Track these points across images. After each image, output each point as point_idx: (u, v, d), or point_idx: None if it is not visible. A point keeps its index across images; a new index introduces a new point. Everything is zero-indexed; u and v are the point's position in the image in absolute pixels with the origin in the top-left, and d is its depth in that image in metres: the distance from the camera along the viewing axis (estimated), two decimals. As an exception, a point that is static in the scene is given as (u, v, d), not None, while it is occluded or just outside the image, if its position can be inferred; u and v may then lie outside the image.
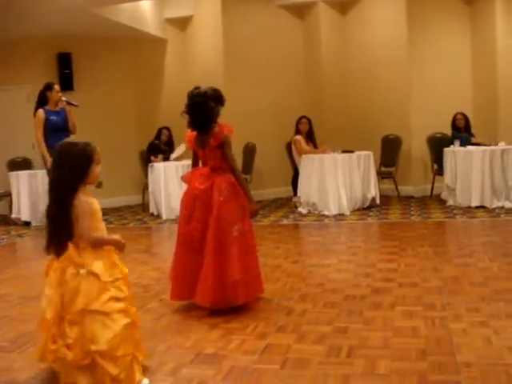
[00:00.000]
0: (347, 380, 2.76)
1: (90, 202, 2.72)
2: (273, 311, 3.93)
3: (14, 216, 8.89)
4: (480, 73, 9.90)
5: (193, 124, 4.08)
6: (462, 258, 5.18)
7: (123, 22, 9.33)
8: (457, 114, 8.97)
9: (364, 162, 8.54)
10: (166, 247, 6.81)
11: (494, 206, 7.88)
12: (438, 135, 9.37)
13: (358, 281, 4.61)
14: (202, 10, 10.39)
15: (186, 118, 4.11)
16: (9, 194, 9.11)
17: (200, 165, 4.23)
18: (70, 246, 2.66)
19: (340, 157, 8.35)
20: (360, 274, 4.81)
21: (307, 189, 8.47)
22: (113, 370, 2.61)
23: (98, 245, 2.72)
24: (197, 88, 4.07)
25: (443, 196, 8.70)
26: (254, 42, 10.14)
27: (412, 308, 3.80)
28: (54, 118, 7.53)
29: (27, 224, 8.75)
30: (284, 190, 10.10)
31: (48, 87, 7.59)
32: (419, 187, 9.68)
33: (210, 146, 4.01)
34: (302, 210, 8.49)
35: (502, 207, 7.83)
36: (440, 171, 8.93)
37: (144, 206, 9.67)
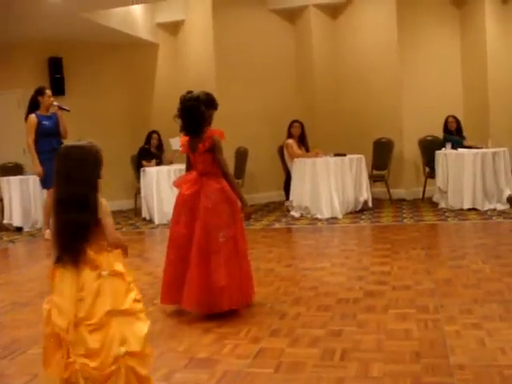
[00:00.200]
0: (341, 383, 2.75)
1: (106, 203, 2.64)
2: (266, 315, 3.93)
3: (5, 222, 8.84)
4: (470, 75, 9.95)
5: (185, 128, 4.08)
6: (454, 261, 5.19)
7: (114, 27, 9.31)
8: (448, 116, 9.00)
9: (356, 165, 8.55)
10: (159, 252, 6.78)
11: (486, 208, 7.91)
12: (430, 138, 9.40)
13: (351, 284, 4.61)
14: (194, 14, 10.39)
15: (178, 123, 4.11)
16: (0, 200, 9.07)
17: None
18: (88, 249, 2.60)
19: (332, 160, 8.36)
20: (353, 278, 4.81)
21: (299, 192, 8.48)
22: (142, 370, 2.52)
23: (118, 246, 2.67)
24: (189, 92, 4.08)
25: (435, 199, 8.72)
26: (246, 47, 10.15)
27: (405, 310, 3.80)
28: (45, 122, 7.53)
29: (19, 229, 8.71)
30: (276, 194, 10.11)
31: (40, 92, 7.58)
32: (411, 190, 9.70)
33: (199, 151, 4.01)
34: (295, 213, 8.49)
35: (494, 209, 7.85)
36: (432, 174, 8.96)
37: (136, 211, 9.65)
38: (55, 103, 7.64)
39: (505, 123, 9.71)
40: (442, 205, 8.40)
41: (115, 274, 2.56)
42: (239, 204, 4.09)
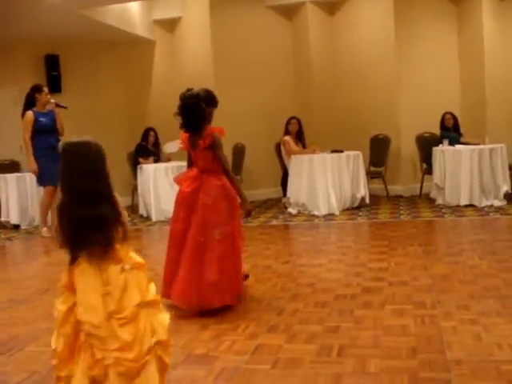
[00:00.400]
0: (338, 379, 2.76)
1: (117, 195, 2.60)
2: (264, 311, 3.93)
3: (2, 219, 8.83)
4: (467, 72, 9.95)
5: (185, 125, 4.10)
6: (451, 257, 5.20)
7: (111, 24, 9.29)
8: (445, 113, 9.00)
9: (353, 161, 8.55)
10: (157, 249, 6.79)
11: (483, 204, 7.92)
12: (427, 135, 9.41)
13: (349, 280, 4.61)
14: (191, 11, 10.37)
15: (178, 120, 4.12)
16: (-3, 198, 9.07)
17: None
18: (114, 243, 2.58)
19: (329, 157, 8.37)
20: (350, 274, 4.82)
21: (297, 189, 8.48)
22: (166, 358, 2.56)
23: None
24: (189, 90, 4.09)
25: (432, 195, 8.73)
26: (243, 43, 10.14)
27: (402, 306, 3.81)
28: (42, 119, 7.53)
29: (16, 227, 8.71)
30: (274, 191, 10.11)
31: (37, 89, 7.57)
32: (408, 186, 9.71)
33: (200, 148, 4.04)
34: (292, 210, 8.49)
35: (491, 206, 7.87)
36: (429, 170, 8.96)
37: (133, 208, 9.64)
38: (52, 100, 7.64)
39: (502, 120, 9.72)
40: (439, 201, 8.41)
41: (137, 267, 2.56)
42: (239, 201, 4.11)
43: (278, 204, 9.43)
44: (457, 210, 7.80)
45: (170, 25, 10.81)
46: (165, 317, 2.57)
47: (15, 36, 9.35)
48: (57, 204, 2.58)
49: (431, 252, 5.49)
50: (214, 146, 4.03)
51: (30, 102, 7.56)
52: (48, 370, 3.02)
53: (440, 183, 8.40)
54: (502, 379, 2.64)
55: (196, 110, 4.00)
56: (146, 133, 9.60)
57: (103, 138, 2.67)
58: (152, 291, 2.59)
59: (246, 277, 4.58)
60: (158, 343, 2.50)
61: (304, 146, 9.09)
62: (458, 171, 8.09)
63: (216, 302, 3.89)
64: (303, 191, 8.37)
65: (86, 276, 2.47)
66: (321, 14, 10.38)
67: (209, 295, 3.87)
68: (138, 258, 2.59)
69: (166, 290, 4.06)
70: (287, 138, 9.05)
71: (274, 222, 7.85)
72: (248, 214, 4.23)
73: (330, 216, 7.97)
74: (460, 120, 9.11)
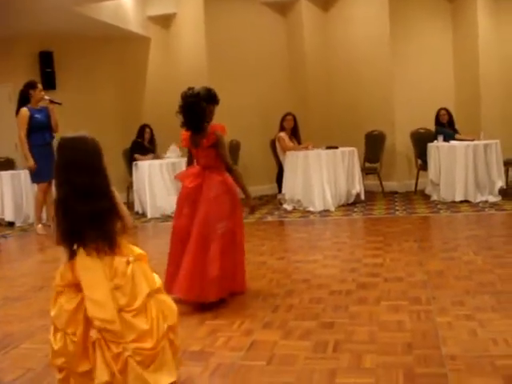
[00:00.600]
0: (333, 375, 2.76)
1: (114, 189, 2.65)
2: (259, 308, 3.93)
3: (-3, 216, 8.82)
4: (462, 68, 9.96)
5: (186, 124, 4.14)
6: (446, 252, 5.20)
7: (105, 20, 9.28)
8: (440, 109, 9.01)
9: (348, 158, 8.56)
10: (152, 245, 6.79)
11: (478, 200, 7.93)
12: (422, 131, 9.41)
13: (344, 276, 4.61)
14: (185, 7, 10.36)
15: (179, 118, 4.16)
16: (-9, 195, 9.04)
17: (195, 163, 4.32)
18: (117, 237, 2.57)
19: (324, 153, 8.36)
20: (345, 270, 4.82)
21: (292, 185, 8.48)
22: (177, 341, 2.65)
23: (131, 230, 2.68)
24: (190, 88, 4.12)
25: (427, 191, 8.75)
26: (238, 40, 10.13)
27: (397, 302, 3.81)
28: (37, 116, 7.52)
29: (11, 224, 8.68)
30: (269, 187, 10.11)
31: (31, 85, 7.55)
32: (403, 182, 9.72)
33: (203, 146, 4.09)
34: (287, 206, 8.49)
35: (486, 201, 7.88)
36: (424, 166, 8.97)
37: (128, 205, 9.62)
38: (46, 97, 7.62)
39: (496, 115, 9.73)
40: (435, 197, 8.42)
41: (140, 258, 2.61)
42: (240, 197, 4.19)
43: (273, 200, 9.43)
44: (452, 205, 7.82)
45: (165, 21, 10.78)
46: (171, 301, 2.66)
47: (9, 33, 9.32)
48: (53, 199, 2.58)
49: (426, 248, 5.50)
50: (217, 145, 4.08)
51: (24, 99, 7.53)
52: (43, 367, 3.01)
53: (435, 179, 8.41)
54: (497, 374, 2.65)
55: (196, 108, 4.04)
56: (142, 129, 9.59)
57: (98, 134, 2.66)
58: (157, 279, 2.66)
59: None
60: (170, 328, 2.58)
61: (299, 143, 9.09)
62: (453, 167, 8.10)
63: (212, 296, 3.92)
64: (298, 187, 8.37)
65: (91, 271, 2.47)
66: (315, 11, 10.37)
67: (209, 289, 3.90)
68: (138, 250, 2.63)
69: (169, 285, 4.08)
70: (282, 134, 9.04)
71: (269, 219, 7.85)
72: (252, 210, 4.36)
73: (325, 212, 7.97)
74: (455, 116, 9.12)
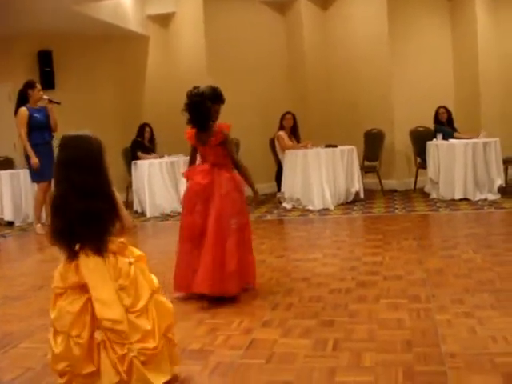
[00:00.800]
0: (333, 373, 2.76)
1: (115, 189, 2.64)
2: (258, 306, 3.93)
3: (-4, 216, 8.81)
4: (461, 66, 9.96)
5: (192, 122, 4.22)
6: (445, 251, 5.21)
7: (104, 19, 9.27)
8: (439, 107, 9.01)
9: (347, 156, 8.55)
10: (151, 245, 6.79)
11: (477, 198, 7.93)
12: (421, 129, 9.41)
13: (343, 274, 4.62)
14: (184, 6, 10.35)
15: (185, 116, 4.22)
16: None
17: (198, 160, 4.41)
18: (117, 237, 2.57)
19: (323, 152, 8.36)
20: (345, 268, 4.82)
21: (291, 184, 8.48)
22: (174, 339, 2.68)
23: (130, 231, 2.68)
24: (196, 87, 4.19)
25: (426, 189, 8.74)
26: (237, 38, 10.12)
27: (397, 300, 3.81)
28: (37, 115, 7.52)
29: (10, 224, 8.68)
30: (268, 186, 10.10)
31: (30, 85, 7.55)
32: (403, 181, 9.72)
33: (211, 144, 4.18)
34: (287, 205, 8.49)
35: (485, 199, 7.88)
36: (423, 165, 8.97)
37: (128, 204, 9.61)
38: (45, 96, 7.62)
39: (495, 113, 9.73)
40: (434, 195, 8.42)
41: (140, 259, 2.62)
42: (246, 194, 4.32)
43: (272, 199, 9.43)
44: (451, 204, 7.82)
45: (164, 20, 10.78)
46: (168, 301, 2.68)
47: (8, 32, 9.31)
48: (50, 196, 2.57)
49: (426, 246, 5.50)
50: (225, 142, 4.19)
51: (22, 99, 7.53)
52: (42, 366, 3.01)
53: (434, 177, 8.41)
54: (497, 372, 2.65)
55: (201, 108, 4.11)
56: (142, 129, 9.54)
57: (97, 133, 2.65)
58: (155, 279, 2.67)
59: None
60: (167, 327, 2.61)
61: (298, 141, 9.09)
62: (452, 165, 8.09)
63: (232, 290, 4.03)
64: (298, 186, 8.37)
65: (95, 272, 2.46)
66: (314, 9, 10.37)
67: (229, 283, 4.00)
68: (137, 251, 2.63)
69: (181, 283, 4.16)
70: (281, 133, 9.04)
71: (269, 217, 7.85)
72: (260, 204, 4.50)
73: (324, 211, 7.97)
74: (454, 114, 9.12)
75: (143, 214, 8.73)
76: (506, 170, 8.49)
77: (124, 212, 2.63)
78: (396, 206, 7.99)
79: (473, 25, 9.64)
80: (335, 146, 8.56)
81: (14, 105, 7.63)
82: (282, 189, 8.68)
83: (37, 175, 7.50)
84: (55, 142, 2.45)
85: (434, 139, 8.62)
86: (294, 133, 9.16)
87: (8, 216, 8.73)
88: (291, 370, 2.84)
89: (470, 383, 2.57)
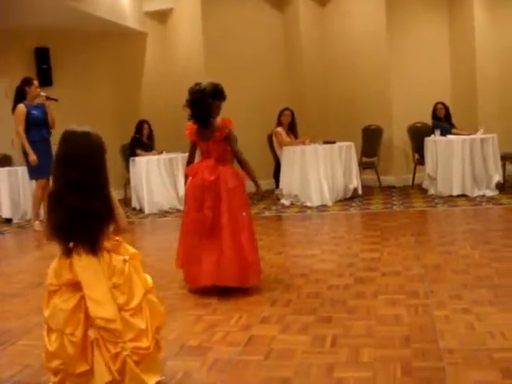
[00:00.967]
0: (331, 369, 2.76)
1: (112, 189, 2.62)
2: (256, 302, 3.93)
3: (-6, 213, 8.80)
4: (459, 62, 9.96)
5: (193, 118, 4.29)
6: (443, 246, 5.21)
7: (102, 16, 9.24)
8: (437, 103, 9.00)
9: (345, 152, 8.55)
10: (149, 241, 6.79)
11: (475, 194, 7.93)
12: (419, 125, 9.41)
13: (341, 271, 4.62)
14: (182, 2, 10.33)
15: (187, 112, 4.30)
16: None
17: (197, 156, 4.50)
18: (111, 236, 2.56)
19: (321, 148, 8.36)
20: (343, 264, 4.82)
21: (289, 180, 8.48)
22: (160, 340, 2.65)
23: (125, 231, 2.67)
24: (197, 84, 4.27)
25: (425, 185, 8.75)
26: (235, 34, 10.10)
27: (395, 296, 3.82)
28: (34, 112, 7.49)
29: (8, 221, 8.67)
30: (266, 183, 10.06)
31: (27, 82, 7.52)
32: (401, 177, 9.73)
33: (215, 139, 4.26)
34: (285, 201, 8.49)
35: (483, 196, 7.88)
36: (421, 161, 8.97)
37: (126, 201, 9.61)
38: (43, 93, 7.60)
39: (493, 109, 9.74)
40: (432, 191, 8.42)
41: (134, 257, 2.60)
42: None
43: (270, 195, 9.42)
44: (449, 200, 7.82)
45: (162, 16, 10.76)
46: (159, 303, 2.65)
47: (5, 29, 9.28)
48: (48, 192, 2.54)
49: (424, 242, 5.50)
50: (229, 138, 4.30)
51: (20, 96, 7.51)
52: (41, 363, 3.00)
53: (432, 173, 8.41)
54: (495, 367, 2.65)
55: (202, 104, 4.19)
56: (140, 125, 9.51)
57: (95, 130, 2.63)
58: (148, 279, 2.64)
59: None
60: (157, 328, 2.58)
61: (296, 138, 9.08)
62: (450, 161, 8.09)
63: (252, 280, 4.16)
64: (296, 182, 8.37)
65: (89, 270, 2.44)
66: (312, 5, 10.35)
67: (248, 274, 4.11)
68: (132, 249, 2.61)
69: (192, 276, 4.22)
70: (279, 129, 9.04)
71: (267, 214, 7.84)
72: (262, 198, 4.54)
73: (322, 207, 7.97)
74: (451, 110, 9.11)
75: (141, 210, 8.72)
76: (503, 165, 8.49)
77: (120, 212, 2.60)
78: (394, 202, 8.00)
79: (470, 20, 9.64)
80: (333, 143, 8.56)
81: (12, 102, 7.61)
82: (280, 185, 8.67)
83: (35, 172, 7.48)
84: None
85: (432, 135, 8.63)
86: (291, 129, 9.15)
87: (6, 213, 8.72)
88: (289, 366, 2.84)
89: (468, 379, 2.57)
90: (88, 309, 2.41)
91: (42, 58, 9.89)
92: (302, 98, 10.28)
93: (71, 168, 2.44)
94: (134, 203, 8.99)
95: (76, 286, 2.44)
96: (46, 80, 9.67)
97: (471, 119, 9.31)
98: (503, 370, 2.61)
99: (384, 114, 9.61)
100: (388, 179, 9.64)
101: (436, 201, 7.85)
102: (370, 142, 9.51)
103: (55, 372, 2.49)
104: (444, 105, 9.00)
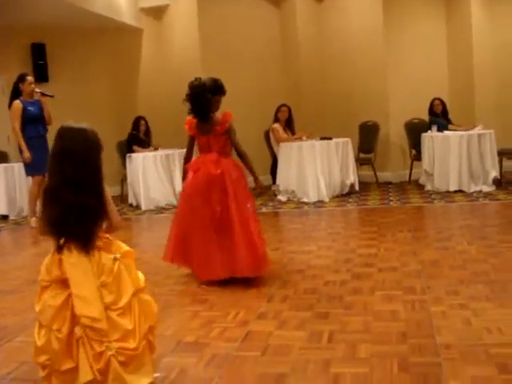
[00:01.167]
0: (328, 365, 2.76)
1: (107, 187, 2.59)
2: (254, 298, 3.93)
3: (-10, 210, 8.78)
4: (456, 58, 9.95)
5: (193, 112, 4.37)
6: (440, 242, 5.22)
7: (98, 12, 9.20)
8: (434, 99, 9.00)
9: (342, 148, 8.54)
10: (146, 238, 6.79)
11: (472, 190, 7.94)
12: (416, 121, 9.41)
13: (338, 266, 4.62)
14: (178, -2, 10.31)
15: (186, 106, 4.38)
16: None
17: (194, 152, 4.57)
18: (102, 233, 2.53)
19: (318, 144, 8.36)
20: (340, 260, 4.82)
21: (286, 177, 8.47)
22: (154, 341, 2.62)
23: (118, 229, 2.64)
24: (197, 79, 4.36)
25: (421, 181, 8.75)
26: (231, 30, 10.08)
27: (392, 292, 3.82)
28: (30, 108, 7.47)
29: (5, 218, 8.65)
30: (263, 179, 9.94)
31: (20, 79, 7.50)
32: (397, 173, 9.73)
33: (216, 133, 4.34)
34: (282, 197, 8.49)
35: (480, 191, 7.89)
36: (418, 157, 8.98)
37: (123, 197, 9.61)
38: (37, 89, 7.57)
39: (490, 105, 9.74)
40: (429, 187, 8.43)
41: (127, 255, 2.56)
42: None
43: (267, 191, 9.41)
44: (446, 195, 7.82)
45: (158, 12, 10.73)
46: (153, 302, 2.61)
47: (1, 25, 9.24)
48: (43, 188, 2.53)
49: (421, 238, 5.50)
50: (230, 131, 4.40)
51: (16, 92, 7.49)
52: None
53: (429, 169, 8.41)
54: (491, 362, 2.66)
55: (202, 99, 4.28)
56: (137, 122, 9.49)
57: (92, 126, 2.61)
58: (141, 278, 2.60)
59: None
60: (150, 328, 2.54)
61: (293, 134, 9.08)
62: (447, 157, 8.09)
63: (263, 269, 4.28)
64: (293, 178, 8.37)
65: (77, 268, 2.42)
66: (308, 1, 10.34)
67: (261, 263, 4.23)
68: (126, 247, 2.57)
69: (207, 269, 4.25)
70: (276, 125, 9.03)
71: (264, 210, 7.84)
72: (262, 193, 4.82)
73: (319, 203, 7.97)
74: (448, 106, 9.11)
75: (138, 207, 8.71)
76: (500, 161, 8.49)
77: (113, 209, 2.57)
78: (391, 198, 8.00)
79: (467, 17, 9.64)
80: (330, 139, 8.55)
81: (8, 98, 7.59)
82: (277, 181, 8.67)
83: (31, 169, 7.47)
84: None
85: (429, 131, 8.62)
86: (288, 125, 9.15)
87: (2, 210, 8.69)
88: (286, 362, 2.84)
89: (464, 374, 2.58)
90: (74, 307, 2.39)
91: (39, 53, 9.86)
92: (299, 94, 10.27)
93: (67, 164, 2.42)
94: (131, 199, 8.98)
95: (65, 282, 2.42)
96: (42, 76, 9.64)
97: (468, 115, 9.32)
98: (500, 366, 2.61)
99: (381, 110, 9.61)
100: (385, 175, 9.65)
101: (433, 196, 7.86)
102: (367, 138, 9.51)
103: (43, 366, 2.49)
104: (441, 101, 8.99)
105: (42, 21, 9.33)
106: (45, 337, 2.42)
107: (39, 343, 2.44)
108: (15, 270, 5.37)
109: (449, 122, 8.87)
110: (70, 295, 2.41)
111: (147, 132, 9.56)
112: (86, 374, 2.37)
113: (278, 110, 9.11)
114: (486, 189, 7.93)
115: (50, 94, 7.62)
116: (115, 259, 2.49)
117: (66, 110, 9.00)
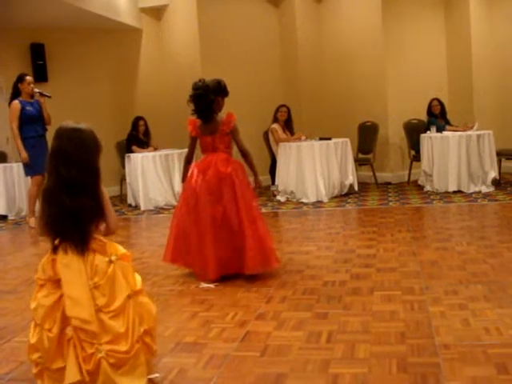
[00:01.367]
0: (327, 365, 2.77)
1: (105, 189, 2.57)
2: (252, 299, 3.93)
3: (-10, 210, 8.77)
4: (454, 59, 9.96)
5: (197, 112, 4.45)
6: (439, 243, 5.22)
7: (97, 12, 9.20)
8: (432, 100, 9.00)
9: (341, 149, 8.54)
10: (145, 238, 6.78)
11: (471, 190, 7.94)
12: (415, 121, 9.41)
13: (337, 267, 4.62)
14: (177, -2, 10.31)
15: (190, 106, 4.46)
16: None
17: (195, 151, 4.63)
18: (96, 235, 2.51)
19: (317, 144, 8.36)
20: (339, 260, 4.83)
21: (285, 177, 8.47)
22: (154, 345, 2.60)
23: (115, 231, 2.63)
24: (201, 80, 4.44)
25: (420, 182, 8.75)
26: (230, 30, 10.08)
27: (391, 292, 3.82)
28: (29, 108, 7.47)
29: (4, 218, 8.64)
30: (262, 179, 9.96)
31: (19, 79, 7.51)
32: (396, 173, 9.73)
33: (222, 133, 4.44)
34: (281, 198, 8.49)
35: (479, 192, 7.89)
36: (417, 157, 8.98)
37: (122, 197, 9.61)
38: (36, 90, 7.57)
39: (489, 106, 9.75)
40: (428, 188, 8.43)
41: (123, 258, 2.54)
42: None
43: (266, 192, 9.42)
44: (445, 196, 7.83)
45: (157, 12, 10.73)
46: (151, 304, 2.59)
47: (0, 25, 9.24)
48: (42, 188, 2.52)
49: (420, 238, 5.50)
50: (234, 131, 4.50)
51: (15, 92, 7.49)
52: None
53: (428, 170, 8.42)
54: (490, 363, 2.66)
55: (205, 100, 4.36)
56: (136, 122, 9.48)
57: (91, 127, 2.60)
58: (138, 280, 2.58)
59: None
60: (146, 331, 2.51)
61: (292, 134, 9.08)
62: (446, 158, 8.10)
63: (274, 263, 4.42)
64: (291, 179, 8.37)
65: (70, 269, 2.41)
66: (308, 1, 10.34)
67: (270, 258, 4.37)
68: (122, 250, 2.56)
69: (218, 267, 4.30)
70: (275, 125, 9.04)
71: (263, 210, 7.81)
72: (259, 193, 4.71)
73: (318, 203, 7.97)
74: (447, 106, 9.12)
75: (137, 207, 8.71)
76: (499, 162, 8.50)
77: (111, 213, 2.55)
78: (390, 199, 8.00)
79: (466, 17, 9.64)
80: (329, 139, 8.55)
81: (7, 98, 7.59)
82: (276, 182, 8.67)
83: (30, 169, 7.47)
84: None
85: (428, 131, 8.62)
86: (287, 126, 9.15)
87: (1, 210, 8.68)
88: (285, 362, 2.84)
89: (463, 374, 2.58)
90: (65, 307, 2.38)
91: (38, 53, 9.85)
92: (298, 94, 10.27)
93: (63, 164, 2.41)
94: (130, 200, 8.98)
95: (58, 283, 2.42)
96: (41, 76, 9.63)
97: (467, 116, 9.31)
98: (498, 366, 2.62)
99: (380, 111, 9.61)
100: (384, 176, 9.65)
101: (432, 197, 7.86)
102: (366, 139, 9.51)
103: (35, 364, 2.49)
104: (439, 101, 9.00)
105: (41, 21, 9.33)
106: (38, 335, 2.43)
107: (32, 341, 2.44)
108: (14, 270, 5.37)
109: (447, 122, 8.87)
110: (62, 296, 2.41)
111: (146, 132, 9.55)
112: (73, 374, 2.37)
113: (277, 111, 9.12)
114: (485, 189, 7.94)
115: (47, 95, 7.62)
116: (110, 262, 2.47)
117: (65, 109, 9.02)
